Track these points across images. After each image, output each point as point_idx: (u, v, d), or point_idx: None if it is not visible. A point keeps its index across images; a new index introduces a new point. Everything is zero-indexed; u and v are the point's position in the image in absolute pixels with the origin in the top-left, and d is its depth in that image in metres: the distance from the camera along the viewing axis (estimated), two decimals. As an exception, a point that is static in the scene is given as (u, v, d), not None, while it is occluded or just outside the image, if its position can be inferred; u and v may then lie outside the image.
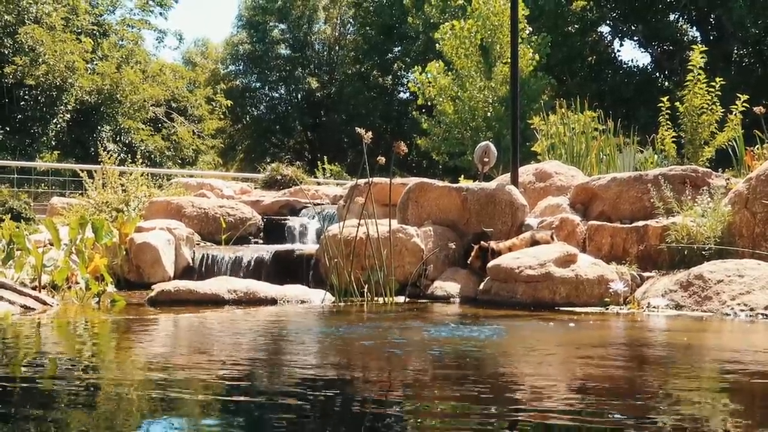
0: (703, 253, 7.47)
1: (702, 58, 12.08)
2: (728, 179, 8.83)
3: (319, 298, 7.71)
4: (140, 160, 14.83)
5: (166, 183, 14.82)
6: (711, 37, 30.54)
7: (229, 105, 35.79)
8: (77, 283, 7.86)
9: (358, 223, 8.25)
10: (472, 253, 8.24)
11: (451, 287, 8.01)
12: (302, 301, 7.56)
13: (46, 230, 8.60)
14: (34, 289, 7.42)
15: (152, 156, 27.18)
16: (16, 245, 7.82)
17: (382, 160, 8.17)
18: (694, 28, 32.70)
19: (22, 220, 11.89)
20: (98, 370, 4.19)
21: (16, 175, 17.53)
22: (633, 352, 4.99)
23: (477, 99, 22.69)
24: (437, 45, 24.23)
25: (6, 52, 24.54)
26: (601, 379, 3.92)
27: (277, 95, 44.43)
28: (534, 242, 8.04)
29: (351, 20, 43.40)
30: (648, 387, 3.75)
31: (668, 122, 12.23)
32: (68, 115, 25.28)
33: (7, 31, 24.72)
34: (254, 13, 42.50)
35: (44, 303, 6.87)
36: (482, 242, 8.25)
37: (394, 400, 3.49)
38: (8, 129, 24.02)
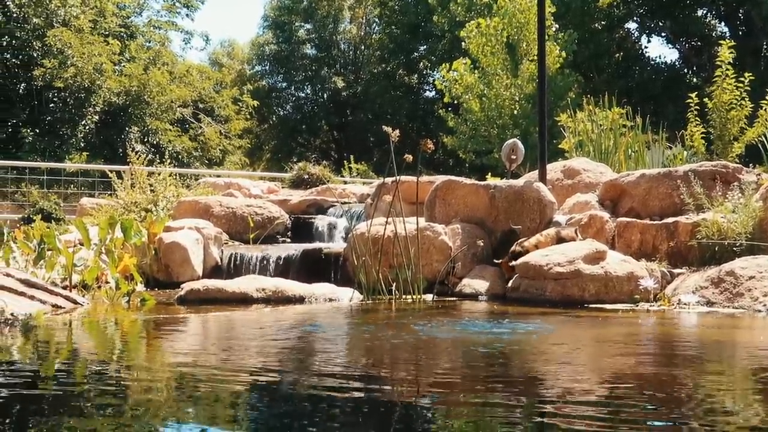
0: (734, 249, 7.41)
1: (730, 53, 11.98)
2: (759, 175, 8.75)
3: (348, 296, 7.71)
4: (168, 161, 14.91)
5: (194, 183, 14.91)
6: (740, 32, 30.28)
7: (256, 105, 35.89)
8: (107, 282, 7.91)
9: (386, 222, 8.24)
10: (503, 263, 8.13)
11: (480, 285, 7.98)
12: (330, 300, 7.56)
13: (76, 230, 8.67)
14: (64, 288, 7.47)
15: (180, 156, 27.30)
16: (47, 245, 7.89)
17: (409, 158, 8.15)
18: (723, 23, 32.43)
19: (52, 221, 12.00)
20: (133, 367, 4.22)
21: (45, 177, 17.66)
22: (670, 350, 4.95)
23: (503, 97, 22.63)
24: (463, 43, 24.18)
25: (35, 55, 24.75)
26: (648, 379, 3.89)
27: (303, 95, 44.51)
28: (559, 239, 7.99)
29: (376, 19, 43.40)
30: (688, 385, 3.72)
31: (697, 118, 12.14)
32: (96, 117, 25.45)
33: (36, 34, 24.92)
34: (280, 13, 42.61)
35: (75, 302, 6.91)
36: (512, 249, 8.14)
37: (435, 398, 3.48)
38: (38, 131, 24.21)
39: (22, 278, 6.81)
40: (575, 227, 8.24)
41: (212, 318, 6.30)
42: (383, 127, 8.54)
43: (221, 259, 9.37)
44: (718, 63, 12.09)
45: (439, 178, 9.85)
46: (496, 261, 8.28)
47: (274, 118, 44.22)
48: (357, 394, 3.52)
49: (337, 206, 11.92)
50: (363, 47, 44.04)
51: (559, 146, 13.90)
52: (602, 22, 31.29)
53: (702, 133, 12.10)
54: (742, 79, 11.85)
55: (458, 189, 9.20)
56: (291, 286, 7.56)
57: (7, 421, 3.01)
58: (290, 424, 2.98)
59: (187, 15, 34.72)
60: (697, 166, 8.84)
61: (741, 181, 8.32)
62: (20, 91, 25.45)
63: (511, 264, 7.90)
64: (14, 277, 6.75)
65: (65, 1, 25.52)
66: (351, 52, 44.45)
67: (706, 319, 6.20)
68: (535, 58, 19.49)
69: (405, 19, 39.14)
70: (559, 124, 14.31)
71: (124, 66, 28.00)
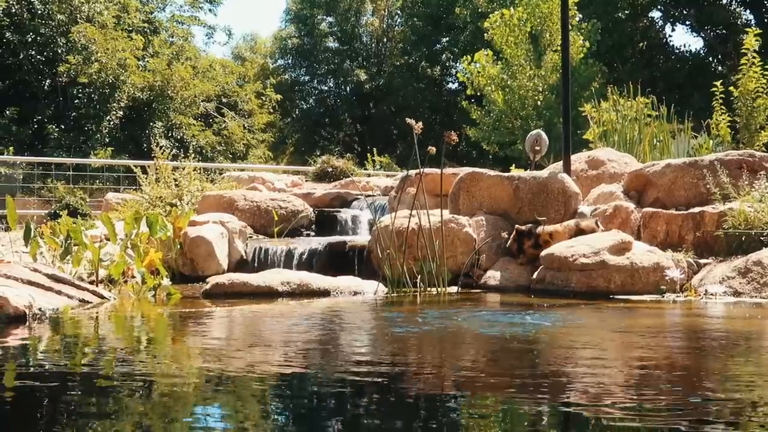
0: (762, 238, 7.34)
1: (756, 41, 11.88)
2: (786, 163, 8.67)
3: (372, 289, 7.71)
4: (192, 155, 14.95)
5: (218, 177, 14.95)
6: (765, 20, 29.97)
7: (279, 99, 35.94)
8: (133, 276, 7.96)
9: (410, 214, 8.24)
10: (510, 237, 8.21)
11: (504, 277, 7.97)
12: (355, 293, 7.57)
13: (102, 225, 8.72)
14: (91, 283, 7.52)
15: (204, 151, 27.39)
16: (74, 240, 7.93)
17: (433, 150, 8.14)
18: (748, 10, 32.11)
19: (78, 216, 12.08)
20: (159, 361, 4.24)
21: (71, 172, 17.79)
22: (698, 340, 4.93)
23: (527, 88, 22.54)
24: (486, 34, 24.09)
25: (59, 51, 24.90)
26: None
27: (326, 88, 44.55)
28: (579, 230, 7.95)
29: (398, 12, 43.30)
30: (718, 376, 3.70)
31: (722, 107, 12.05)
32: (121, 112, 25.58)
33: (60, 30, 25.08)
34: (302, 6, 42.64)
35: (101, 297, 6.96)
36: (518, 226, 8.21)
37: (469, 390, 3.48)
38: (63, 127, 24.37)
39: (49, 273, 6.86)
40: (596, 218, 8.20)
41: (238, 312, 6.32)
42: (406, 119, 8.53)
43: (246, 253, 9.40)
44: (743, 51, 11.99)
45: (463, 170, 9.82)
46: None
47: (297, 112, 44.26)
48: (391, 387, 3.53)
49: (360, 199, 11.92)
50: (385, 40, 43.98)
51: (584, 137, 13.82)
52: (626, 11, 31.08)
53: (728, 122, 12.01)
54: (769, 67, 11.77)
55: (482, 181, 9.18)
56: (316, 280, 7.58)
57: (35, 415, 3.03)
58: (322, 417, 3.00)
59: (209, 10, 34.83)
60: (723, 155, 8.77)
61: (768, 170, 8.26)
62: (45, 87, 25.63)
63: (517, 237, 7.97)
64: (41, 272, 6.81)
65: (89, -3, 25.69)
66: (373, 45, 44.41)
67: (734, 310, 6.16)
68: (559, 48, 19.39)
69: (427, 10, 39.04)
70: (583, 114, 14.24)
71: (147, 61, 28.12)
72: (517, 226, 8.24)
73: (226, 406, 3.15)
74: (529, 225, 8.20)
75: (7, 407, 3.13)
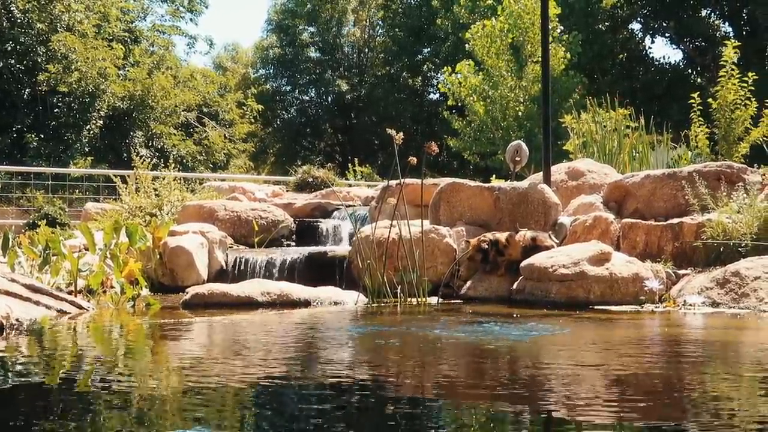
0: (740, 249, 7.39)
1: (735, 53, 11.97)
2: (764, 175, 8.73)
3: (352, 299, 7.70)
4: (172, 165, 14.91)
5: (199, 187, 14.91)
6: (744, 32, 30.26)
7: (260, 109, 35.95)
8: (112, 287, 7.91)
9: (390, 224, 8.23)
10: (474, 245, 8.22)
11: (484, 287, 7.97)
12: (335, 303, 7.55)
13: (81, 235, 8.68)
14: (69, 293, 7.47)
15: (184, 160, 27.36)
16: (52, 250, 7.89)
17: (413, 160, 8.14)
18: (727, 23, 32.41)
19: (57, 226, 12.01)
20: (137, 373, 4.22)
21: (50, 182, 17.68)
22: (677, 351, 4.95)
23: (508, 98, 22.63)
24: (467, 45, 24.19)
25: (39, 60, 24.82)
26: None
27: (307, 98, 44.60)
28: (533, 244, 7.96)
29: (380, 22, 43.45)
30: (696, 388, 3.71)
31: (701, 119, 12.13)
32: (101, 121, 25.51)
33: (40, 39, 24.99)
34: (283, 16, 42.70)
35: (80, 307, 6.92)
36: (484, 238, 8.24)
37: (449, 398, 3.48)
38: (42, 136, 24.27)
39: (27, 283, 6.81)
40: (548, 233, 8.25)
41: (217, 322, 6.30)
42: (387, 129, 8.53)
43: (226, 263, 9.37)
44: (722, 63, 12.07)
45: (444, 181, 9.84)
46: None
47: (278, 122, 44.29)
48: (368, 396, 3.52)
49: (341, 209, 11.90)
50: (367, 50, 44.09)
51: (564, 147, 13.89)
52: (606, 23, 31.31)
53: (706, 133, 12.08)
54: (747, 78, 11.84)
55: (463, 191, 9.20)
56: (296, 290, 7.56)
57: (11, 426, 3.01)
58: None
59: (191, 19, 34.96)
60: (702, 166, 8.83)
61: (746, 181, 8.31)
62: (25, 96, 25.52)
63: (483, 246, 7.98)
64: (19, 282, 6.76)
65: (69, 6, 25.63)
66: (355, 55, 44.51)
67: (712, 320, 6.19)
68: (540, 59, 19.48)
69: (408, 21, 39.20)
70: (563, 125, 14.30)
71: (128, 70, 28.10)
72: (488, 236, 8.26)
73: (202, 420, 3.13)
74: (488, 240, 8.19)
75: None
